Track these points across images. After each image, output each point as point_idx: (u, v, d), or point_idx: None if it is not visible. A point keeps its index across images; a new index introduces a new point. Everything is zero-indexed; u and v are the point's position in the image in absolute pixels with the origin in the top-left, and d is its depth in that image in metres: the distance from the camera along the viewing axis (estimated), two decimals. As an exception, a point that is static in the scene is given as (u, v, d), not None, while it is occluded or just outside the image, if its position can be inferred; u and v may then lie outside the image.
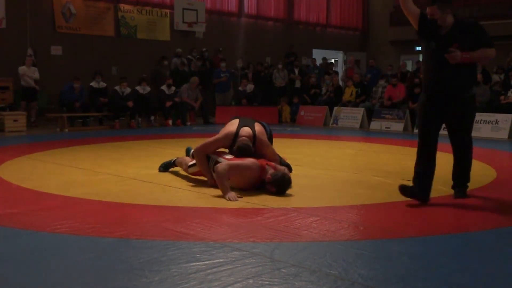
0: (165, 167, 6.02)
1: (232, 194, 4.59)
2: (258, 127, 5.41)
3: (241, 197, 4.61)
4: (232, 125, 5.37)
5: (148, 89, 12.87)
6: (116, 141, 9.48)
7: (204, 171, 5.23)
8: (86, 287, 2.66)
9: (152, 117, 12.88)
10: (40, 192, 4.89)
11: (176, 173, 5.89)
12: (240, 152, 5.06)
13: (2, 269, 2.91)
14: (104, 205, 4.40)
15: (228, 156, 5.09)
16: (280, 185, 4.78)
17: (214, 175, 4.92)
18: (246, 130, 5.27)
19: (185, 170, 5.66)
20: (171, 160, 6.02)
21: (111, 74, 14.05)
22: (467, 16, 18.56)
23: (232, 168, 4.78)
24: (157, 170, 6.01)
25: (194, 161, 5.46)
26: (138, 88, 12.75)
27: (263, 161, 4.97)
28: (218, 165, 4.80)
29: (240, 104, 14.53)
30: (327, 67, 17.32)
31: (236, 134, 5.23)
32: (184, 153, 6.21)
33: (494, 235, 3.68)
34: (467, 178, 4.71)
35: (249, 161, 4.89)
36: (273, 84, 15.74)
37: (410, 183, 4.55)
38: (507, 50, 14.81)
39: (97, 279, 2.75)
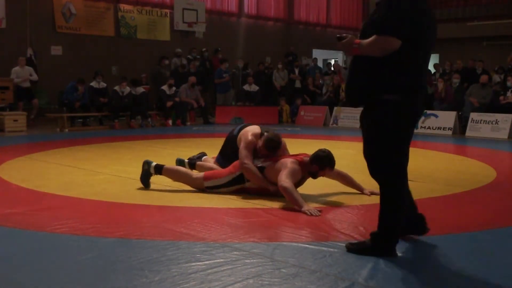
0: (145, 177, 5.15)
1: (311, 208, 4.17)
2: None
3: (320, 212, 4.16)
4: (255, 129, 5.07)
5: (141, 90, 12.78)
6: (116, 141, 9.48)
7: (259, 181, 4.70)
8: (86, 287, 2.66)
9: (149, 119, 12.82)
10: (40, 192, 4.89)
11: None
12: (270, 144, 4.81)
13: (2, 269, 2.91)
14: (104, 205, 4.40)
15: (258, 162, 4.79)
16: (325, 159, 4.54)
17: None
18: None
19: (194, 185, 4.99)
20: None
21: (111, 74, 14.05)
22: (468, 16, 18.59)
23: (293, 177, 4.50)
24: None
25: (210, 181, 4.88)
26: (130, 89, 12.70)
27: (298, 157, 4.70)
28: (283, 182, 4.34)
29: (241, 104, 14.51)
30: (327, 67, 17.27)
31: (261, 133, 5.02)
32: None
33: (494, 235, 3.68)
34: (381, 227, 3.17)
35: (291, 164, 4.55)
36: (273, 84, 15.71)
37: (411, 182, 4.33)
38: (507, 50, 14.82)
39: (97, 279, 2.75)
